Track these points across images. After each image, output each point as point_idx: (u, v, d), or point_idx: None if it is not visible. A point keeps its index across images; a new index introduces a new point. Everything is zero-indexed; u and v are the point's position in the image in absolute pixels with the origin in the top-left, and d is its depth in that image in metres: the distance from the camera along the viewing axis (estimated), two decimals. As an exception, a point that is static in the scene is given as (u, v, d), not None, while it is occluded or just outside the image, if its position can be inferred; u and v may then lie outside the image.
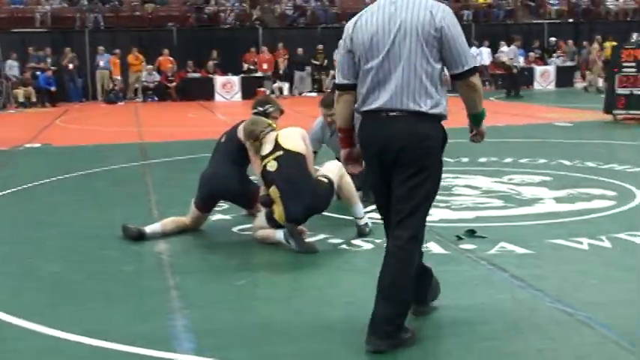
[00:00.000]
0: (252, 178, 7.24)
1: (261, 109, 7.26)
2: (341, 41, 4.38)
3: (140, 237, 6.78)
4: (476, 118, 4.46)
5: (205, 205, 7.11)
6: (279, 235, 6.45)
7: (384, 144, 4.19)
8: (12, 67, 26.70)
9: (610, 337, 4.30)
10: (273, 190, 6.47)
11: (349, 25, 4.33)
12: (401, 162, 4.18)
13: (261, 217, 6.70)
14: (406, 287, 4.21)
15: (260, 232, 6.68)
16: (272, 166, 6.55)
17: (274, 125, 6.94)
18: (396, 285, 4.19)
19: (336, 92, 4.42)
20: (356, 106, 4.34)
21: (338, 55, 4.56)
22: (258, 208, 6.92)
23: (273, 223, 6.52)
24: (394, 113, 4.14)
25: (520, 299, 5.03)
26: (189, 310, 4.89)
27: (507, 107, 20.75)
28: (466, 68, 4.15)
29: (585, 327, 4.48)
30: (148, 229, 6.88)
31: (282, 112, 7.46)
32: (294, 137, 6.73)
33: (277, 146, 6.61)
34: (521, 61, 27.46)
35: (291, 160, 6.56)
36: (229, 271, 5.89)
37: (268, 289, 5.40)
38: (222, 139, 7.33)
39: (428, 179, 4.31)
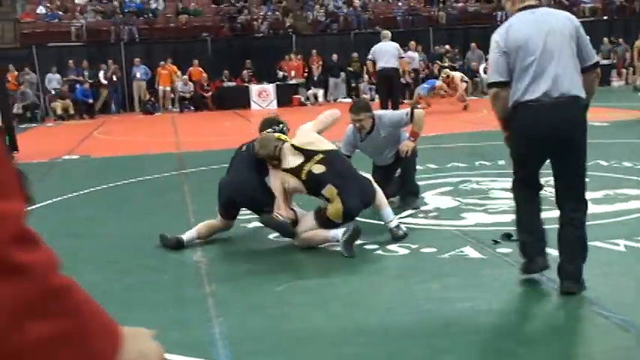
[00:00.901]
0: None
1: (276, 128, 7.33)
2: (493, 44, 5.11)
3: (178, 246, 6.87)
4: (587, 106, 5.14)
5: (227, 212, 7.16)
6: (334, 233, 6.45)
7: (551, 125, 4.92)
8: (52, 80, 27.06)
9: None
10: (330, 189, 6.52)
11: (502, 32, 5.12)
12: (566, 141, 4.97)
13: (307, 220, 6.69)
14: (586, 242, 5.07)
15: (310, 232, 6.62)
16: (319, 169, 6.62)
17: (284, 137, 6.98)
18: (582, 242, 5.04)
19: (493, 89, 5.15)
20: (515, 98, 5.02)
21: (491, 58, 5.18)
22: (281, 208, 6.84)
23: (323, 222, 6.54)
24: (559, 98, 4.89)
25: (557, 302, 5.01)
26: (226, 318, 4.94)
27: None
28: (594, 61, 5.17)
29: (621, 330, 4.45)
30: (185, 236, 6.96)
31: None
32: (316, 138, 6.90)
33: (310, 152, 6.69)
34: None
35: (334, 158, 6.75)
36: (266, 278, 5.92)
37: (305, 295, 5.42)
38: (243, 148, 7.40)
39: (585, 155, 5.07)
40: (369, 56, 18.24)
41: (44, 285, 1.04)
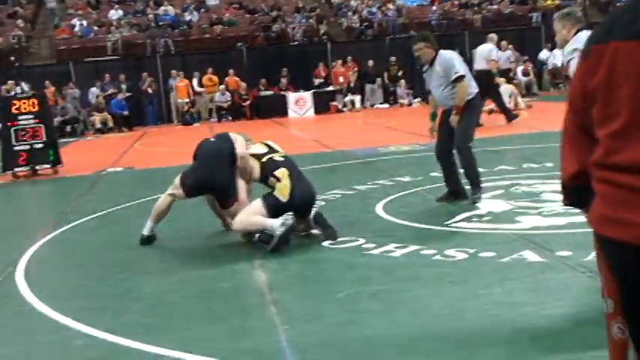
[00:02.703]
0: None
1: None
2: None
3: (149, 241, 7.74)
4: None
5: (192, 193, 7.77)
6: (271, 222, 6.91)
7: None
8: (94, 94, 27.31)
9: None
10: (282, 171, 7.29)
11: None
12: None
13: (253, 204, 7.25)
14: None
15: (249, 217, 7.09)
16: (279, 157, 7.51)
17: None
18: None
19: None
20: None
21: None
22: (231, 212, 7.55)
23: (269, 203, 7.09)
24: None
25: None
26: (290, 325, 4.91)
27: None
28: None
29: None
30: (146, 231, 7.80)
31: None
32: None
33: (274, 149, 7.72)
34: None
35: (292, 161, 7.62)
36: (326, 286, 5.91)
37: (367, 302, 5.38)
38: (212, 139, 8.05)
39: None
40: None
41: None
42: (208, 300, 5.71)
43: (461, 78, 8.26)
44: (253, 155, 7.55)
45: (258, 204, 7.19)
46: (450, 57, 8.49)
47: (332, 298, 5.50)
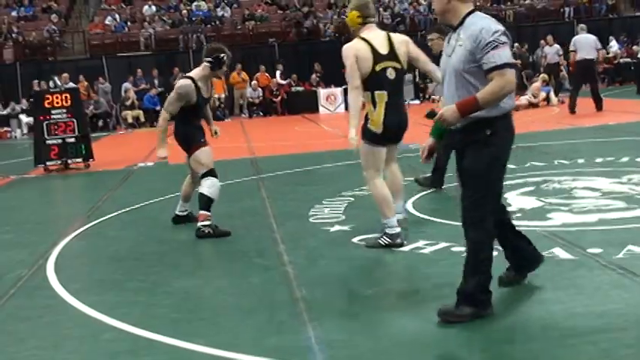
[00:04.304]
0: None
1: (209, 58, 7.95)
2: None
3: (186, 219, 8.41)
4: None
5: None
6: (392, 220, 6.70)
7: None
8: (127, 89, 27.46)
9: None
10: (382, 94, 6.61)
11: None
12: None
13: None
14: None
15: (384, 190, 6.80)
16: (391, 74, 6.67)
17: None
18: None
19: None
20: None
21: None
22: (197, 157, 8.02)
23: (367, 137, 6.71)
24: None
25: (655, 303, 4.88)
26: (319, 322, 4.90)
27: (616, 105, 20.14)
28: None
29: None
30: (179, 211, 8.52)
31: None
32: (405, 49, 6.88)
33: (395, 56, 6.72)
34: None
35: (401, 77, 6.78)
36: (354, 282, 5.90)
37: (395, 300, 5.38)
38: None
39: None
40: (571, 47, 19.12)
41: None
42: (237, 295, 5.72)
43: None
44: (373, 49, 6.63)
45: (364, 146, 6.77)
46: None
47: (360, 295, 5.49)
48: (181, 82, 7.96)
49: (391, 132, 6.72)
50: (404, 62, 6.78)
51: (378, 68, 6.57)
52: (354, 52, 6.59)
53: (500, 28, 4.64)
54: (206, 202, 7.74)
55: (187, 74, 8.23)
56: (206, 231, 7.65)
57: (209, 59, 7.89)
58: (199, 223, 7.70)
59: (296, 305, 5.31)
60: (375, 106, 6.62)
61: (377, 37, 6.71)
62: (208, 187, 7.79)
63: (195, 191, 8.06)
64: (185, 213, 8.55)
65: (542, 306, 4.94)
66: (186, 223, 8.36)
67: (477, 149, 4.71)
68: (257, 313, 5.23)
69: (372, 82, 6.59)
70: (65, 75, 25.75)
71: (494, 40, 4.55)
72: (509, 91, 4.60)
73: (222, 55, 7.90)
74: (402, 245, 6.68)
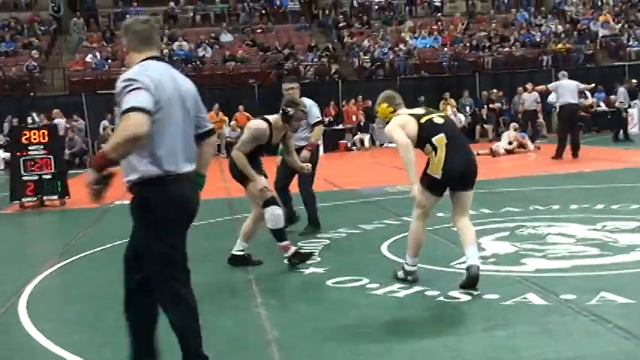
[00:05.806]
0: None
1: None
2: None
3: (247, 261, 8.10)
4: None
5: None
6: (411, 260, 6.94)
7: None
8: (105, 127, 27.42)
9: None
10: (440, 138, 6.70)
11: None
12: None
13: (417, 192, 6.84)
14: None
15: (417, 234, 7.02)
16: (439, 120, 6.88)
17: None
18: None
19: None
20: None
21: None
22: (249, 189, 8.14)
23: (425, 182, 6.79)
24: None
25: (626, 350, 4.89)
26: (291, 365, 4.89)
27: (592, 152, 20.31)
28: None
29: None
30: (240, 251, 8.17)
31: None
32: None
33: (431, 111, 7.13)
34: (602, 105, 27.47)
35: (452, 123, 7.22)
36: (327, 325, 5.87)
37: (370, 345, 5.34)
38: None
39: None
40: (551, 87, 19.85)
41: None
42: (210, 338, 5.67)
43: (318, 124, 9.86)
44: (412, 115, 6.94)
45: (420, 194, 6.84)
46: (311, 103, 9.84)
47: (333, 338, 5.47)
48: (258, 124, 8.00)
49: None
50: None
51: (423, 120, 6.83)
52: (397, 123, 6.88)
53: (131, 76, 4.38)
54: (275, 235, 7.88)
55: (266, 116, 8.13)
56: (292, 261, 7.81)
57: (283, 109, 7.95)
58: (284, 254, 7.88)
59: (268, 348, 5.29)
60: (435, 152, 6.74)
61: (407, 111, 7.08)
62: (268, 219, 7.87)
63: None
64: (242, 253, 8.25)
65: (513, 352, 4.94)
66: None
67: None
68: (229, 355, 5.21)
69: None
70: (56, 110, 25.86)
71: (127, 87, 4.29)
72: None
73: (288, 109, 7.92)
74: (414, 282, 6.82)
